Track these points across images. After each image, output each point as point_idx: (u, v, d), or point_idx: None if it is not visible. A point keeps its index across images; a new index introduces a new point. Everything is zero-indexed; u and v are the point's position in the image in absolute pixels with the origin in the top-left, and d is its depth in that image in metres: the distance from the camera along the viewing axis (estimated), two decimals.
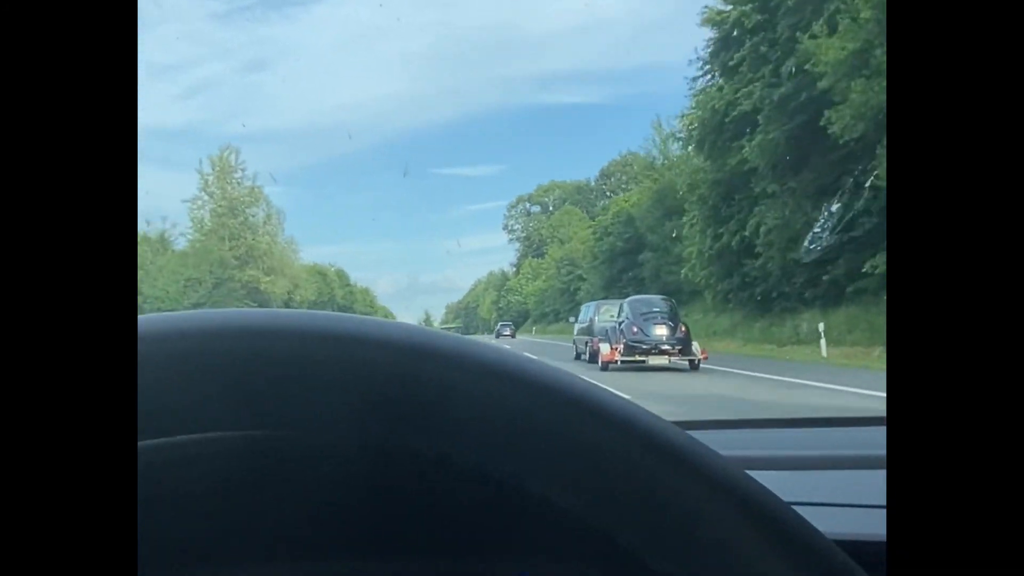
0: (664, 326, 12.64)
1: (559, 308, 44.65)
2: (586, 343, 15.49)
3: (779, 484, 0.44)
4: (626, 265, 32.50)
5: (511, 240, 75.77)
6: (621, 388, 9.07)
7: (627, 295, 25.77)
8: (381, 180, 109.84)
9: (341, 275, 76.09)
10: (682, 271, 23.09)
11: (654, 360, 12.38)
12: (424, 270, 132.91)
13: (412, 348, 0.32)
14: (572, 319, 19.99)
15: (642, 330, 12.61)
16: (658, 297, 15.54)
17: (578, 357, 16.86)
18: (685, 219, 22.75)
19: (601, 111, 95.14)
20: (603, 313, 15.69)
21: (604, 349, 12.91)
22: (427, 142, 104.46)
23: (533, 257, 65.85)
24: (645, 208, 30.71)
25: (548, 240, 62.25)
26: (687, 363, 12.39)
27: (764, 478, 0.37)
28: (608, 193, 58.14)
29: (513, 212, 74.93)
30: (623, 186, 54.60)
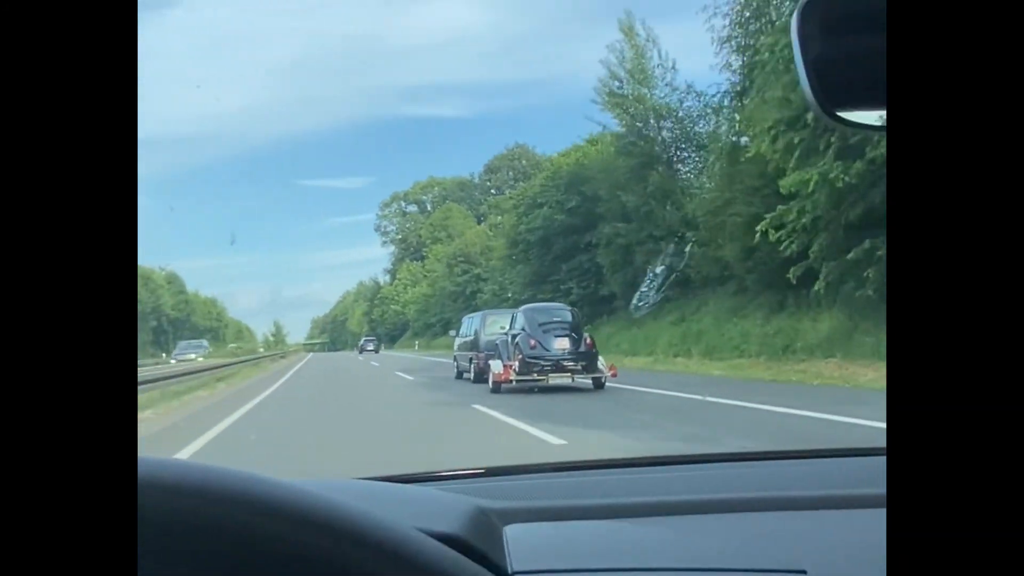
0: (567, 338, 12.16)
1: (451, 317, 40.97)
2: (470, 360, 14.90)
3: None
4: (568, 249, 26.96)
5: (384, 243, 74.00)
6: (518, 412, 8.48)
7: (570, 292, 24.51)
8: (243, 191, 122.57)
9: (173, 280, 74.21)
10: (687, 248, 19.62)
11: (555, 379, 11.92)
12: (289, 283, 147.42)
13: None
14: (452, 332, 19.63)
15: (541, 344, 12.06)
16: (558, 305, 15.14)
17: (460, 376, 16.30)
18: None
19: (467, 124, 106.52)
20: (491, 325, 15.09)
21: (495, 367, 12.29)
22: (293, 152, 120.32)
23: (412, 260, 64.49)
24: (605, 161, 25.08)
25: (429, 241, 61.11)
26: (591, 381, 12.06)
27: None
28: (493, 191, 58.19)
29: (387, 212, 73.21)
30: (510, 183, 54.80)
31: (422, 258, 61.40)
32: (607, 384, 11.89)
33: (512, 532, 0.80)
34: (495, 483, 1.12)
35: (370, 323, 73.91)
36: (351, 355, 46.31)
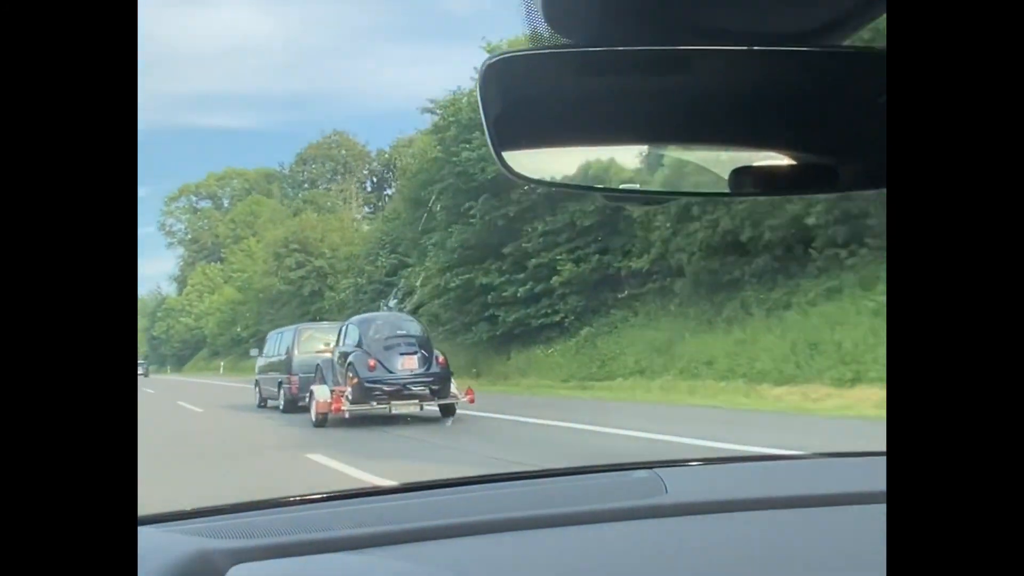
0: (414, 357, 11.01)
1: (273, 328, 31.74)
2: (280, 384, 13.74)
3: None
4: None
5: (170, 244, 68.30)
6: (370, 461, 7.02)
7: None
8: None
9: None
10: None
11: (399, 407, 10.67)
12: None
13: None
14: (254, 352, 17.97)
15: (383, 364, 10.81)
16: (403, 316, 13.93)
17: (263, 404, 14.99)
18: None
19: (254, 136, 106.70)
20: (307, 341, 13.70)
21: (320, 394, 10.90)
22: None
23: (208, 262, 59.59)
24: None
25: (229, 240, 56.78)
26: (439, 408, 10.98)
27: None
28: (306, 185, 55.62)
29: (174, 208, 67.65)
30: (327, 176, 52.62)
31: (220, 259, 56.86)
32: (459, 411, 10.88)
33: (237, 572, 0.90)
34: (236, 520, 1.16)
35: (151, 342, 68.54)
36: None
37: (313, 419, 10.88)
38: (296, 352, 13.56)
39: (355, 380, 10.65)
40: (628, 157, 0.64)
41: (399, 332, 11.52)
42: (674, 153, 0.66)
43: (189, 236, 65.41)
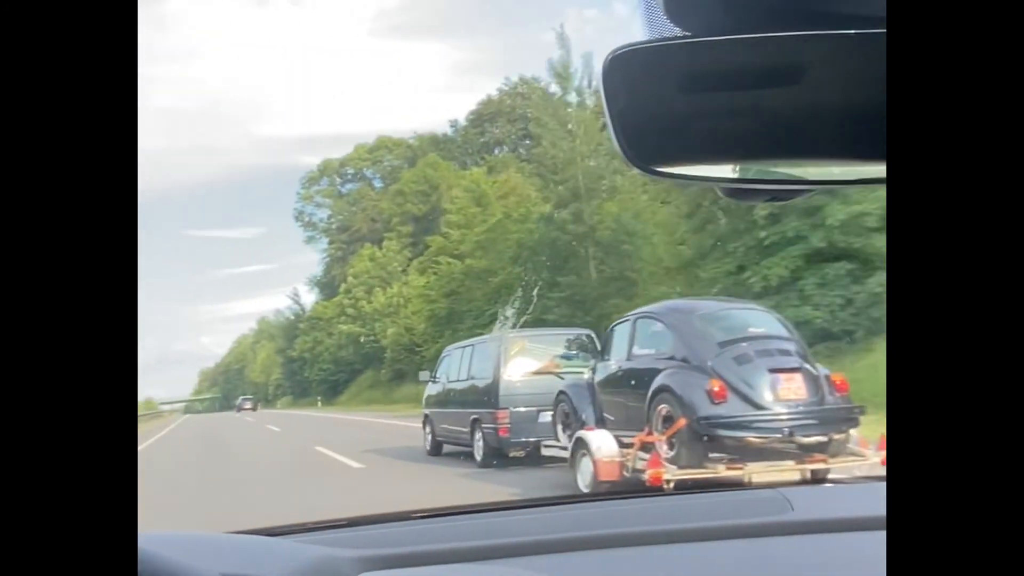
0: (796, 376, 7.27)
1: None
2: (474, 422, 11.77)
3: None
4: None
5: (311, 237, 68.55)
6: None
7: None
8: None
9: None
10: None
11: (767, 473, 6.94)
12: (177, 338, 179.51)
13: None
14: (424, 375, 15.66)
15: (740, 389, 7.15)
16: (746, 305, 9.90)
17: (437, 451, 13.43)
18: None
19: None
20: (518, 354, 11.67)
21: (603, 446, 7.66)
22: (180, 201, 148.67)
23: (371, 244, 55.61)
24: None
25: (395, 219, 53.40)
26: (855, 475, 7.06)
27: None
28: (493, 148, 53.46)
29: (314, 191, 67.77)
30: (516, 134, 50.13)
31: (379, 242, 53.74)
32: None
33: None
34: (360, 532, 1.57)
35: (287, 365, 68.97)
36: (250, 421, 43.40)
37: (585, 486, 7.67)
38: (504, 373, 11.44)
39: (683, 421, 7.06)
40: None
41: (755, 331, 7.87)
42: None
43: (336, 224, 64.64)
